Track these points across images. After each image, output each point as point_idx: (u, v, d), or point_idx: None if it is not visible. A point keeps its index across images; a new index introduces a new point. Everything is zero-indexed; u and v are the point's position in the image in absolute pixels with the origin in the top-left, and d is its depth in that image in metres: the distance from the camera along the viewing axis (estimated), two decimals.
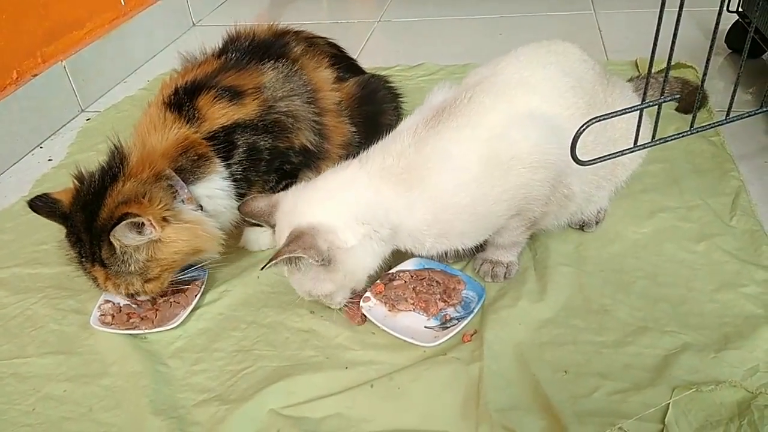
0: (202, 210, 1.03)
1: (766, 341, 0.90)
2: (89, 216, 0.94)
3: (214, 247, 1.04)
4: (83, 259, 0.96)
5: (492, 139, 0.90)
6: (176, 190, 0.99)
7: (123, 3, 1.99)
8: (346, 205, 0.93)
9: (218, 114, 1.04)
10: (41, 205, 0.98)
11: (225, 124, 1.04)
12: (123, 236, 0.92)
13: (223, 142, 1.04)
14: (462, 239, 0.98)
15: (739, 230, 1.11)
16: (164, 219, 0.95)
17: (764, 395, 0.82)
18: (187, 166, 1.01)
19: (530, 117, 0.91)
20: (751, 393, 0.83)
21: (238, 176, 1.06)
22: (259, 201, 0.99)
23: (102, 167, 1.00)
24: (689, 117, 1.37)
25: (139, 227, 0.92)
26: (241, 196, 1.08)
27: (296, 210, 0.94)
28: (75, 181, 0.99)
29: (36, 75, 1.65)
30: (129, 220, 0.90)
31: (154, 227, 0.93)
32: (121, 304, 1.06)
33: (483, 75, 0.97)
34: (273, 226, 0.98)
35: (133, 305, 1.05)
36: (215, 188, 1.04)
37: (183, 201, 1.00)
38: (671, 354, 0.90)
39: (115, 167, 0.98)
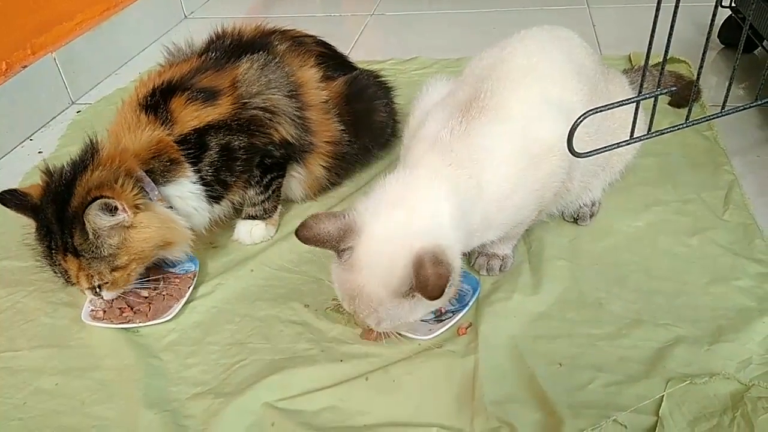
0: (172, 210, 1.03)
1: (759, 334, 0.90)
2: (60, 206, 0.94)
3: (184, 241, 1.03)
4: (53, 251, 0.95)
5: (522, 131, 0.89)
6: (147, 191, 0.99)
7: None
8: (448, 219, 0.85)
9: (190, 116, 1.03)
10: (10, 198, 0.97)
11: (197, 127, 1.03)
12: (96, 217, 0.91)
13: (194, 144, 1.03)
14: (495, 233, 0.96)
15: (733, 224, 1.11)
16: (136, 206, 0.95)
17: (757, 387, 0.82)
18: (158, 169, 1.00)
19: (548, 104, 0.91)
20: (744, 385, 0.83)
21: (209, 178, 1.06)
22: (326, 224, 0.83)
23: (73, 160, 0.99)
24: (682, 111, 1.39)
25: (111, 210, 0.92)
26: (214, 198, 1.08)
27: (397, 232, 0.82)
28: (43, 175, 0.99)
29: (26, 66, 1.63)
30: (102, 200, 0.90)
31: (126, 211, 0.93)
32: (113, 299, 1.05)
33: (490, 62, 0.96)
34: (340, 252, 0.84)
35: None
36: (185, 191, 1.04)
37: (152, 200, 0.99)
38: (665, 346, 0.90)
39: (86, 159, 0.98)
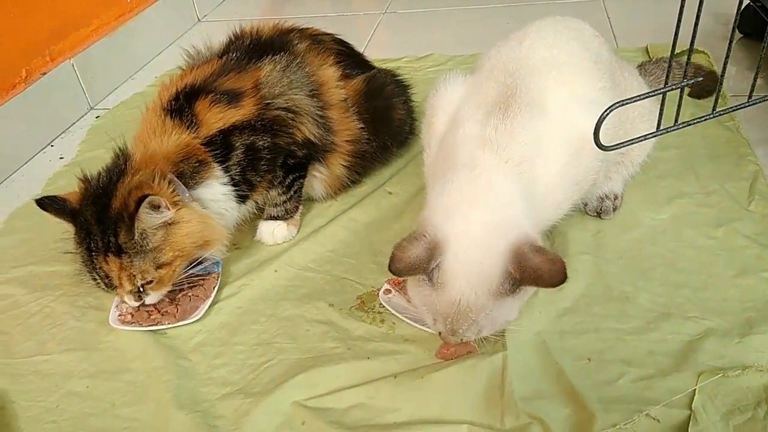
0: None
1: None
2: (101, 208, 0.95)
3: (222, 238, 1.04)
4: (93, 254, 0.96)
5: (561, 124, 0.88)
6: (179, 194, 0.99)
7: (128, 0, 1.98)
8: (522, 211, 0.84)
9: (215, 118, 1.04)
10: (49, 203, 0.99)
11: (222, 128, 1.04)
12: (147, 216, 0.92)
13: (221, 146, 1.04)
14: (536, 229, 0.93)
15: (758, 215, 1.10)
16: (174, 203, 0.96)
17: None
18: (188, 171, 1.01)
19: (576, 95, 0.90)
20: None
21: (237, 179, 1.06)
22: (413, 249, 0.78)
23: (107, 167, 1.01)
24: (702, 102, 1.39)
25: (156, 208, 0.93)
26: (242, 197, 1.09)
27: (482, 234, 0.80)
28: (80, 182, 1.01)
29: (45, 73, 1.65)
30: (149, 200, 0.91)
31: (169, 207, 0.94)
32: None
33: (511, 56, 0.96)
34: (431, 271, 0.80)
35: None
36: (216, 192, 1.05)
37: (182, 195, 1.00)
38: (695, 339, 0.89)
39: (120, 165, 0.99)
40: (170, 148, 1.01)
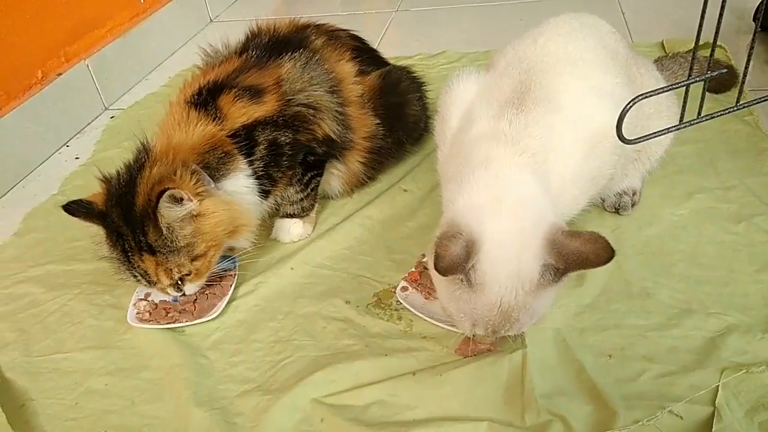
0: None
1: None
2: (126, 208, 0.94)
3: (251, 223, 1.04)
4: (129, 254, 0.96)
5: (576, 119, 0.87)
6: (205, 185, 0.99)
7: (142, 1, 1.99)
8: (544, 201, 0.83)
9: (239, 113, 1.04)
10: (76, 208, 0.98)
11: (246, 123, 1.04)
12: (167, 210, 0.92)
13: (245, 139, 1.04)
14: None
15: None
16: (198, 194, 0.95)
17: None
18: (213, 163, 1.01)
19: (594, 90, 0.90)
20: None
21: (260, 173, 1.06)
22: (453, 247, 0.75)
23: (128, 163, 1.01)
24: (720, 96, 1.37)
25: (178, 201, 0.93)
26: (264, 192, 1.08)
27: (515, 229, 0.78)
28: (102, 183, 1.00)
29: (60, 74, 1.66)
30: (169, 193, 0.91)
31: (191, 199, 0.93)
32: (157, 301, 1.06)
33: (527, 53, 0.95)
34: (468, 272, 0.77)
35: (170, 299, 1.05)
36: (241, 185, 1.04)
37: (206, 184, 0.99)
38: (717, 336, 0.88)
39: (140, 159, 0.99)
40: (196, 139, 1.00)
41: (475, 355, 0.91)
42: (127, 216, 0.94)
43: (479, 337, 0.84)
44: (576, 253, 0.75)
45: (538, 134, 0.86)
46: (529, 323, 0.80)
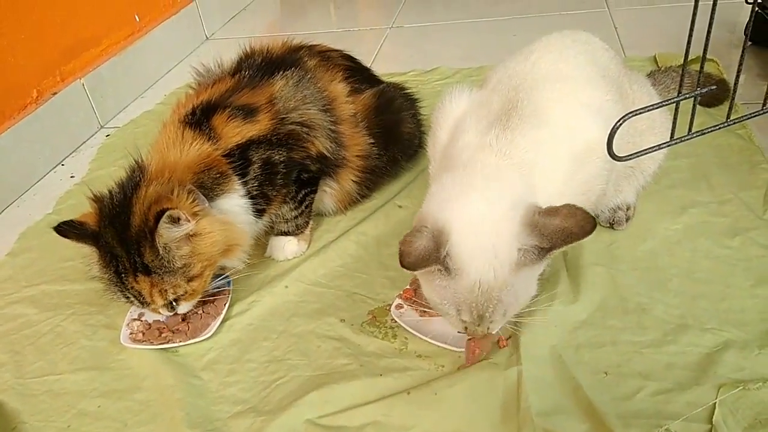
0: None
1: None
2: (121, 228, 0.94)
3: (244, 243, 1.04)
4: (122, 275, 0.95)
5: (562, 135, 0.88)
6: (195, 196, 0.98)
7: (137, 19, 2.01)
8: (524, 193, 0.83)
9: (232, 132, 1.04)
10: (68, 229, 0.97)
11: (239, 142, 1.04)
12: (167, 230, 0.91)
13: (239, 159, 1.04)
14: None
15: None
16: (194, 214, 0.95)
17: None
18: (208, 183, 1.01)
19: (582, 107, 0.90)
20: None
21: (255, 192, 1.06)
22: (419, 241, 0.76)
23: (121, 181, 1.00)
24: (712, 111, 1.38)
25: (176, 221, 0.92)
26: (259, 212, 1.08)
27: (487, 210, 0.79)
28: (93, 202, 0.99)
29: (55, 93, 1.66)
30: (168, 213, 0.90)
31: (189, 219, 0.93)
32: (150, 321, 1.06)
33: (517, 70, 0.96)
34: (443, 260, 0.77)
35: (162, 319, 1.05)
36: (234, 205, 1.04)
37: (202, 203, 0.99)
38: (714, 352, 0.88)
39: (135, 177, 0.98)
40: (191, 158, 1.00)
41: (484, 358, 0.91)
42: (121, 236, 0.94)
43: (471, 330, 0.84)
44: (559, 230, 0.75)
45: (524, 147, 0.86)
46: (514, 307, 0.81)
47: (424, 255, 0.75)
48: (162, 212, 0.90)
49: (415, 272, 0.80)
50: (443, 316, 0.85)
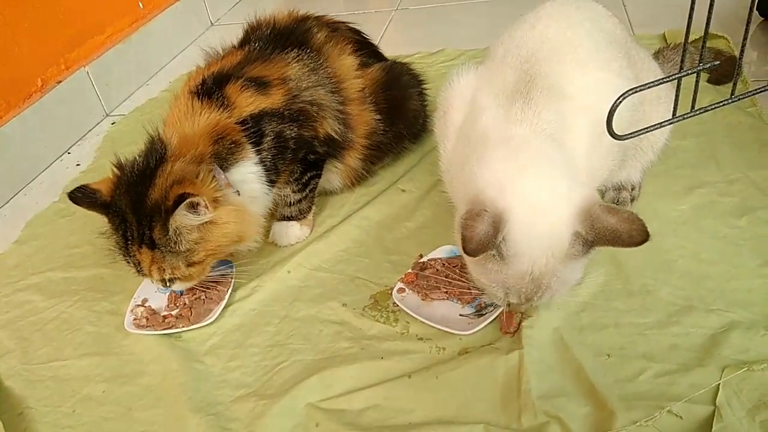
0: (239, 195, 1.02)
1: None
2: (136, 197, 0.93)
3: (256, 234, 1.04)
4: (128, 242, 0.95)
5: (583, 106, 0.86)
6: (216, 177, 0.97)
7: (141, 6, 2.00)
8: (570, 172, 0.82)
9: (246, 102, 1.04)
10: (80, 195, 0.97)
11: (253, 112, 1.04)
12: (183, 217, 0.91)
13: (253, 127, 1.03)
14: None
15: None
16: (215, 200, 0.94)
17: None
18: (223, 152, 0.99)
19: (595, 79, 0.88)
20: None
21: (268, 163, 1.06)
22: (479, 226, 0.73)
23: (145, 152, 0.99)
24: (722, 88, 1.35)
25: (194, 207, 0.91)
26: (271, 182, 1.08)
27: (545, 197, 0.77)
28: (114, 169, 0.99)
29: (60, 82, 1.67)
30: (190, 200, 0.89)
31: (208, 208, 0.92)
32: (154, 307, 1.06)
33: (526, 40, 0.93)
34: (498, 245, 0.76)
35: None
36: (248, 173, 1.03)
37: (222, 187, 0.98)
38: (719, 333, 0.87)
39: (158, 150, 0.97)
40: (202, 128, 0.99)
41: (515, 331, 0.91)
42: (136, 205, 0.93)
43: (514, 306, 0.84)
44: (610, 230, 0.74)
45: (551, 119, 0.85)
46: (560, 291, 0.80)
47: (485, 241, 0.74)
48: (183, 197, 0.89)
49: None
50: (489, 296, 0.84)
